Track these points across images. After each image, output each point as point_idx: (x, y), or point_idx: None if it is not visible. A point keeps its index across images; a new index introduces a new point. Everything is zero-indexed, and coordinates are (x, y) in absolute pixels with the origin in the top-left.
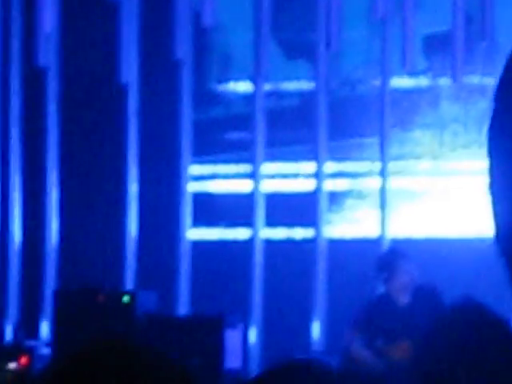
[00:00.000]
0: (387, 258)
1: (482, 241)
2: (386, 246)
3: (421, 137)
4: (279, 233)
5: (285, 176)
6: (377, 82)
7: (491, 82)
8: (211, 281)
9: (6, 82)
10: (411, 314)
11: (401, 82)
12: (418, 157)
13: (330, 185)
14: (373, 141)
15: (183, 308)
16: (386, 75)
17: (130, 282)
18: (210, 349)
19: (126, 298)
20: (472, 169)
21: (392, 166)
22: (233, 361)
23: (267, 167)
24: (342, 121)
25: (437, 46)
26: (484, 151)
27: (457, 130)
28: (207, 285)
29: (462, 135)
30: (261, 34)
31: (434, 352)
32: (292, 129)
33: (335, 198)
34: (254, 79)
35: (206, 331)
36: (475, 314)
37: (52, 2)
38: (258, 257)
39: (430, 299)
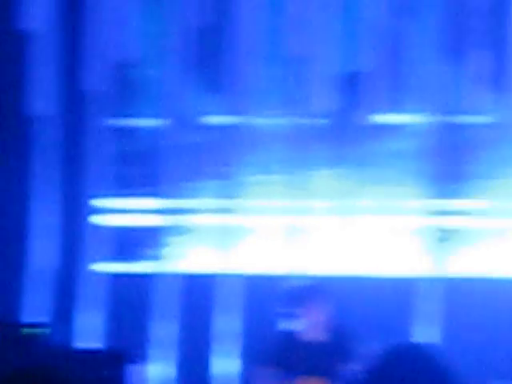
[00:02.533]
0: (302, 293)
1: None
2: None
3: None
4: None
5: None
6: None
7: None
8: (112, 314)
9: None
10: (323, 351)
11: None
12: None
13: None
14: None
15: (82, 342)
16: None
17: (29, 315)
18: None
19: (28, 331)
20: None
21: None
22: None
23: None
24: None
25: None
26: None
27: None
28: (109, 318)
29: None
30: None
31: None
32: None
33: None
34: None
35: (107, 365)
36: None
37: None
38: (161, 291)
39: (344, 338)
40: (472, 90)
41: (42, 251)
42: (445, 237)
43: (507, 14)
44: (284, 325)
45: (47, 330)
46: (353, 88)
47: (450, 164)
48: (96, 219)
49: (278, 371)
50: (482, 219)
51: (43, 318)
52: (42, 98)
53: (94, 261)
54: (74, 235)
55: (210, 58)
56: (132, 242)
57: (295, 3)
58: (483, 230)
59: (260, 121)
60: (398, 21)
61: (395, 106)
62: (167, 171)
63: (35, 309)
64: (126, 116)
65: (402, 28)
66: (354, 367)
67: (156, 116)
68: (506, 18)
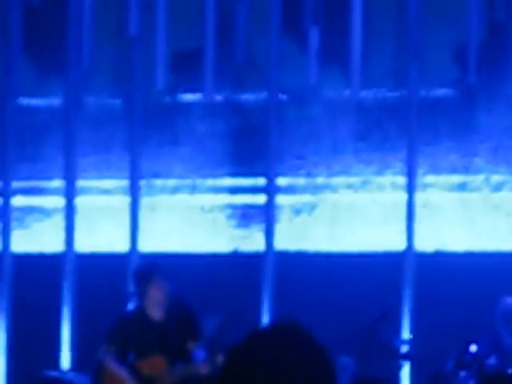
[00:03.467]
0: (143, 272)
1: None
2: (136, 260)
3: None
4: (27, 247)
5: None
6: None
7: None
8: None
9: None
10: (164, 329)
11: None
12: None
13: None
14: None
15: None
16: (135, 91)
17: None
18: None
19: None
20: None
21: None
22: None
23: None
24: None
25: (185, 64)
26: None
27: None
28: None
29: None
30: (12, 50)
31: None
32: (41, 146)
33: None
34: (4, 95)
35: None
36: (290, 332)
37: None
38: (6, 273)
39: (184, 316)
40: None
41: None
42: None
43: None
44: (128, 304)
45: None
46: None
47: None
48: None
49: (122, 349)
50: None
51: None
52: None
53: None
54: None
55: None
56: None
57: None
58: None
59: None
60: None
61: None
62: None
63: None
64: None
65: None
66: (195, 345)
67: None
68: None
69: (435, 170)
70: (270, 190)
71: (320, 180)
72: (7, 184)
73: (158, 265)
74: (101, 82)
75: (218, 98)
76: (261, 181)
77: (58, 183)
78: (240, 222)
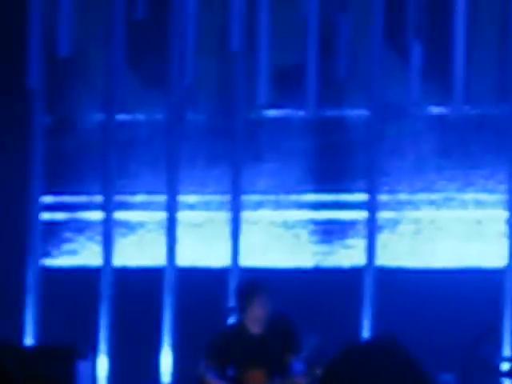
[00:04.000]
0: (246, 288)
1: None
2: (235, 276)
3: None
4: (129, 261)
5: (136, 207)
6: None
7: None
8: (61, 310)
9: None
10: (264, 343)
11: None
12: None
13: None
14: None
15: (30, 338)
16: (239, 107)
17: None
18: (61, 380)
19: None
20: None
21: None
22: None
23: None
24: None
25: (289, 79)
26: None
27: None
28: (57, 314)
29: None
30: (115, 63)
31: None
32: (143, 160)
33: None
34: (106, 109)
35: (58, 362)
36: (388, 348)
37: None
38: (106, 286)
39: (284, 331)
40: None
41: None
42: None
43: None
44: (229, 319)
45: None
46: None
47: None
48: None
49: (221, 364)
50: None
51: None
52: None
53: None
54: (24, 231)
55: None
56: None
57: None
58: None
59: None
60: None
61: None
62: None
63: None
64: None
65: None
66: (293, 359)
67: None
68: None
69: None
70: (371, 206)
71: (402, 196)
72: (109, 199)
73: (261, 281)
74: (203, 97)
75: (303, 113)
76: (350, 197)
77: (161, 198)
78: (322, 238)
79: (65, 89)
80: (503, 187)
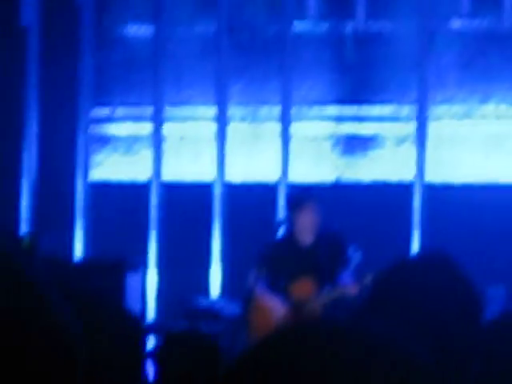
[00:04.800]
0: (295, 199)
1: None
2: (284, 191)
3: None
4: (178, 176)
5: (186, 119)
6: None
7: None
8: (110, 223)
9: None
10: (313, 254)
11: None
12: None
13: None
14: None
15: (81, 250)
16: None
17: (26, 224)
18: (111, 290)
19: (26, 241)
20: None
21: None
22: (133, 303)
23: (170, 110)
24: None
25: None
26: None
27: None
28: (106, 227)
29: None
30: None
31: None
32: (194, 73)
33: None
34: (155, 23)
35: (107, 274)
36: (440, 263)
37: None
38: (155, 200)
39: (333, 243)
40: None
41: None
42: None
43: None
44: (280, 231)
45: (46, 239)
46: None
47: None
48: None
49: (272, 274)
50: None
51: (40, 228)
52: (35, 9)
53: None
54: (73, 144)
55: None
56: None
57: None
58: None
59: None
60: None
61: None
62: None
63: (31, 218)
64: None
65: None
66: (342, 269)
67: None
68: None
69: None
70: (421, 118)
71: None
72: (159, 111)
73: (310, 192)
74: (253, 10)
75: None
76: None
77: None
78: (345, 150)
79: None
80: None
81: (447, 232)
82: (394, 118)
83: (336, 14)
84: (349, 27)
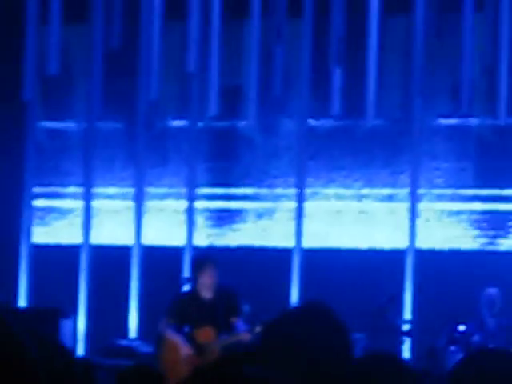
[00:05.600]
0: (198, 261)
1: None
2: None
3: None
4: (104, 240)
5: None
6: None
7: None
8: (47, 279)
9: None
10: (213, 307)
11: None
12: None
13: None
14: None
15: (23, 301)
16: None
17: None
18: (49, 332)
19: None
20: None
21: None
22: (66, 342)
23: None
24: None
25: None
26: None
27: None
28: (44, 282)
29: None
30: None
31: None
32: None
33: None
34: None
35: (45, 319)
36: (317, 311)
37: None
38: (84, 260)
39: (228, 297)
40: None
41: None
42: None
43: None
44: (184, 287)
45: None
46: None
47: None
48: None
49: (178, 322)
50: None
51: None
52: None
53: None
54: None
55: None
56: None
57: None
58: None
59: None
60: None
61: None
62: None
63: None
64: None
65: None
66: (236, 320)
67: None
68: None
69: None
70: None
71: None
72: (88, 190)
73: (209, 256)
74: (167, 108)
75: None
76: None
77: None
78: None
79: (52, 100)
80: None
81: (320, 288)
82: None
83: None
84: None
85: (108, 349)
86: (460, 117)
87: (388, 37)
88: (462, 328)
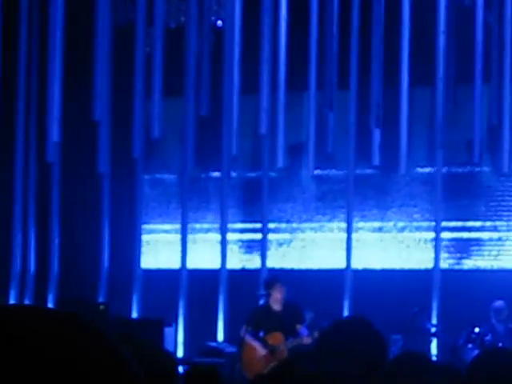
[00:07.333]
0: (269, 281)
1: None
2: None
3: None
4: (197, 264)
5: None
6: None
7: None
8: (154, 295)
9: None
10: (281, 317)
11: None
12: None
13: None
14: None
15: (134, 313)
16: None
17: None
18: (155, 338)
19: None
20: None
21: None
22: (168, 346)
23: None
24: None
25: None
26: None
27: None
28: (151, 298)
29: None
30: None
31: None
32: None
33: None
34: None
35: (151, 328)
36: (359, 324)
37: None
38: (183, 281)
39: (293, 309)
40: None
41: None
42: None
43: None
44: (260, 301)
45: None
46: None
47: None
48: None
49: (255, 329)
50: None
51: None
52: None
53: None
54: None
55: None
56: None
57: None
58: None
59: None
60: None
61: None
62: None
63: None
64: None
65: None
66: (300, 327)
67: None
68: None
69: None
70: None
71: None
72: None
73: (278, 276)
74: (245, 162)
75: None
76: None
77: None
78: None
79: (155, 158)
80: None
81: (367, 301)
82: None
83: None
84: None
85: (201, 350)
86: (472, 165)
87: (415, 103)
88: (477, 330)
